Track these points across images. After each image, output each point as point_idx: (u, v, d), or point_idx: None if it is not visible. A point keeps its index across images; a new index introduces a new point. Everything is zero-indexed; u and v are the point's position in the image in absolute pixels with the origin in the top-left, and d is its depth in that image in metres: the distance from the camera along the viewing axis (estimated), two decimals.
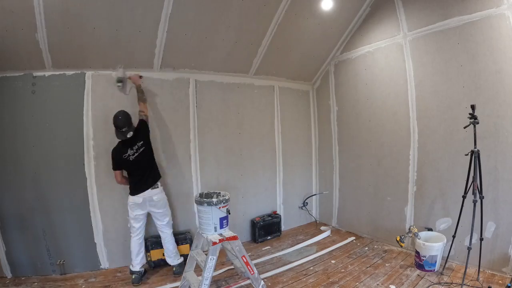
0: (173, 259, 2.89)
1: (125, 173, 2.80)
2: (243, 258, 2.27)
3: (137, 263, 2.75)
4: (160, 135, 3.22)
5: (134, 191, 2.70)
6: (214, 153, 3.58)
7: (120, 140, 2.68)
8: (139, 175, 2.71)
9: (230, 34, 3.16)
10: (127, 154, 2.65)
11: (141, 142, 2.71)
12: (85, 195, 2.93)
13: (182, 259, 2.93)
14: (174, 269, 2.89)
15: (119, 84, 2.93)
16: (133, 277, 2.71)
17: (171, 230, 2.92)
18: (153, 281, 2.79)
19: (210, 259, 2.11)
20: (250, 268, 2.29)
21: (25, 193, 2.79)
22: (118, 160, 2.68)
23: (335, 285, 2.61)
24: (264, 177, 4.01)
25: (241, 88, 3.79)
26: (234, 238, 2.24)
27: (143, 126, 2.76)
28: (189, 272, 2.43)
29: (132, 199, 2.70)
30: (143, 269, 2.81)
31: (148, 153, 2.77)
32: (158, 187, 2.77)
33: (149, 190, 2.70)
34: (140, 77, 2.99)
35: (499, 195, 2.56)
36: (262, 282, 2.40)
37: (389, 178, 3.48)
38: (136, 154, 2.68)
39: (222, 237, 2.20)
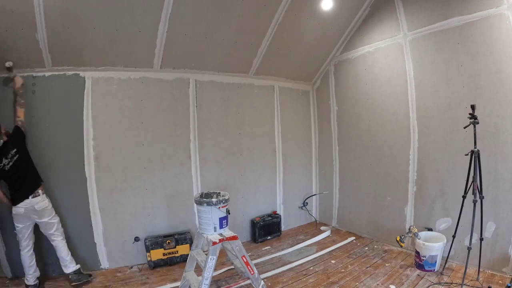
0: (67, 267, 2.68)
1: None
2: (243, 258, 2.27)
3: (31, 276, 2.58)
4: (160, 135, 3.23)
5: (15, 201, 2.53)
6: (214, 153, 3.58)
7: None
8: (17, 184, 2.54)
9: (230, 34, 3.16)
10: (1, 164, 2.47)
11: (15, 150, 2.51)
12: (85, 195, 2.93)
13: (77, 266, 2.73)
14: (70, 277, 2.66)
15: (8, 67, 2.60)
16: None
17: (62, 237, 2.71)
18: (153, 281, 2.79)
19: (210, 259, 2.11)
20: (250, 268, 2.29)
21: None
22: None
23: (335, 285, 2.61)
24: (264, 177, 4.01)
25: (241, 88, 3.78)
26: (234, 238, 2.24)
27: (17, 133, 2.56)
28: (189, 272, 2.43)
29: (14, 210, 2.53)
30: (38, 281, 2.63)
31: (24, 161, 2.56)
32: (39, 194, 2.57)
33: (30, 198, 2.52)
34: (22, 85, 2.65)
35: (499, 195, 2.56)
36: (262, 282, 2.40)
37: (389, 178, 3.48)
38: (11, 163, 2.50)
39: (222, 237, 2.20)
